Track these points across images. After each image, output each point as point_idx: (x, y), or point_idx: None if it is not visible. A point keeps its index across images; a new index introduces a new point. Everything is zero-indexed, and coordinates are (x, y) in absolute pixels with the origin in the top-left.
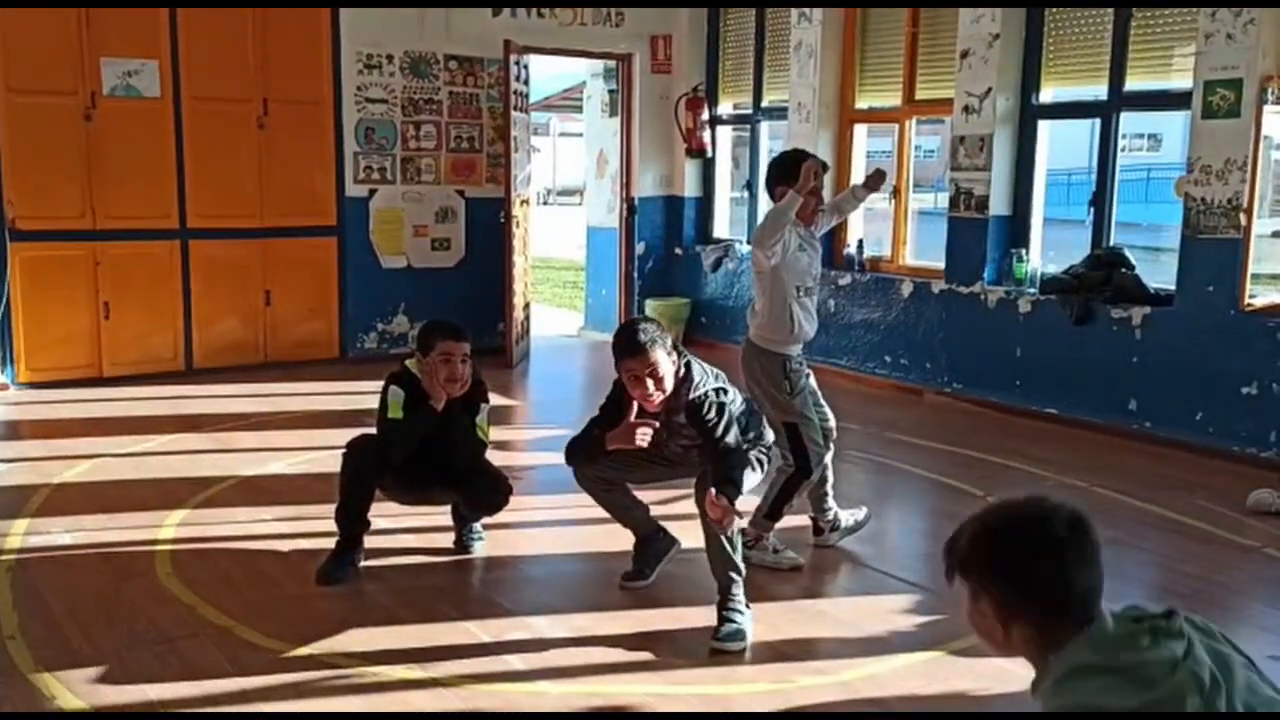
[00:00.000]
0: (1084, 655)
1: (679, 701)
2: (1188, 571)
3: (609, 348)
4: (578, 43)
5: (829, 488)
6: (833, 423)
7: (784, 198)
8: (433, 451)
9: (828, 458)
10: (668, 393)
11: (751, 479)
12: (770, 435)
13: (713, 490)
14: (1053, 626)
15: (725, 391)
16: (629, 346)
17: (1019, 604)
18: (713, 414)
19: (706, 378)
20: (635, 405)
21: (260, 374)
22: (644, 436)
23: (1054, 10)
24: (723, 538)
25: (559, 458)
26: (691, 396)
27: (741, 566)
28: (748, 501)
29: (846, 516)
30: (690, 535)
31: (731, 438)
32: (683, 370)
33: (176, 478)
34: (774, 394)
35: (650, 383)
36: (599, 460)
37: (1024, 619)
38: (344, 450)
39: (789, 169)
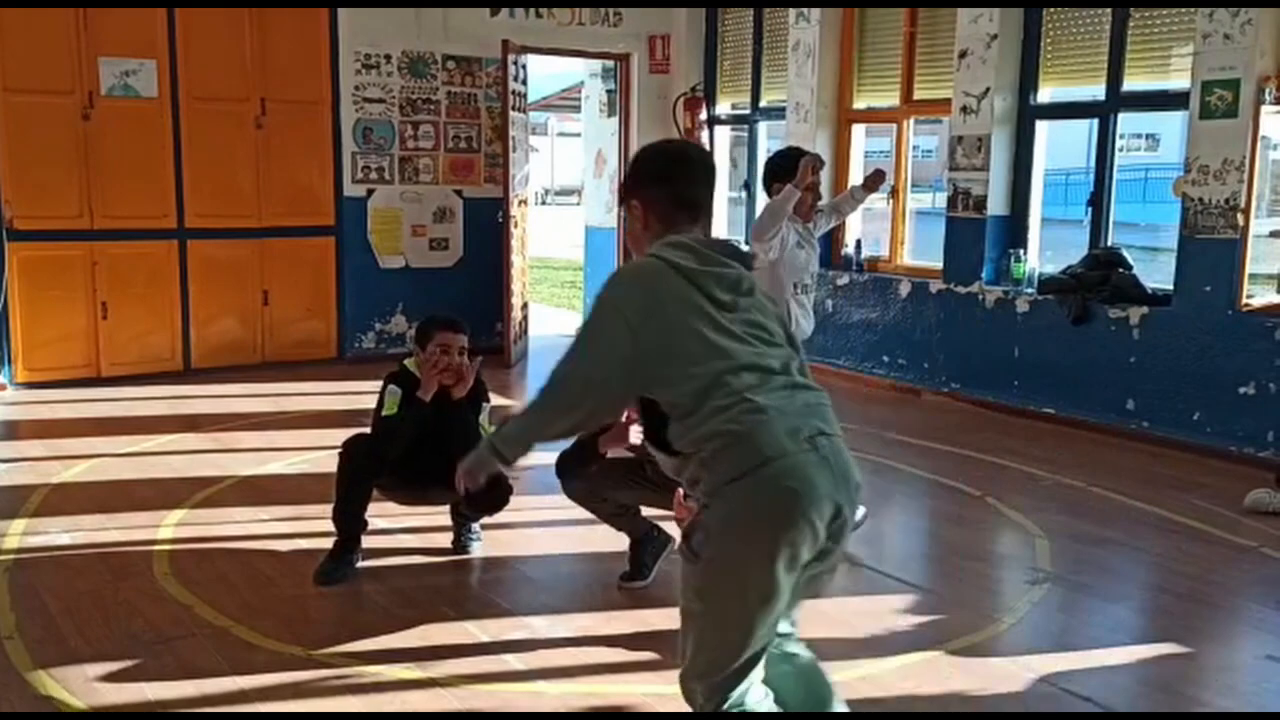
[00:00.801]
0: (676, 238)
1: (677, 701)
2: (1185, 571)
3: None
4: (576, 42)
5: None
6: None
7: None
8: (432, 451)
9: None
10: None
11: None
12: None
13: (680, 491)
14: (673, 219)
15: None
16: None
17: (657, 198)
18: None
19: None
20: (624, 414)
21: (258, 374)
22: (637, 434)
23: (1052, 10)
24: None
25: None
26: None
27: None
28: None
29: None
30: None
31: None
32: None
33: (174, 478)
34: None
35: None
36: (591, 467)
37: (658, 211)
38: (340, 450)
39: (786, 167)
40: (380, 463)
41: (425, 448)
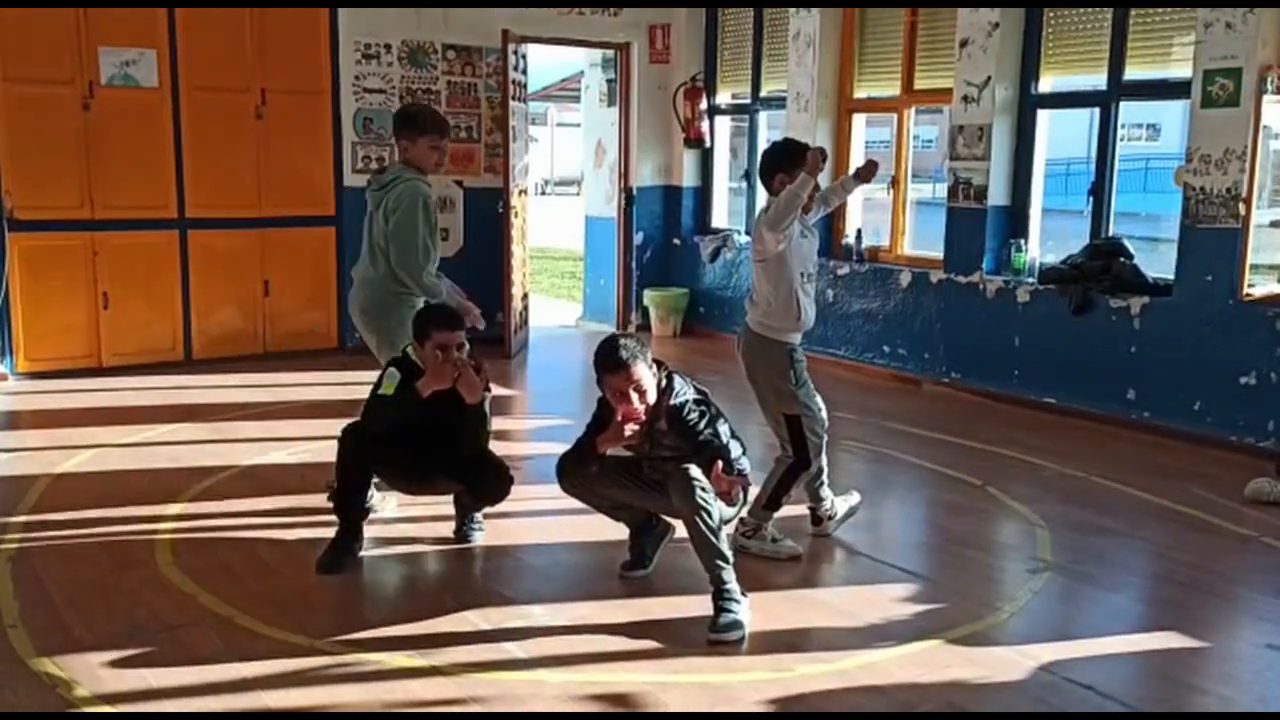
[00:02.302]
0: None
1: (678, 690)
2: (1185, 560)
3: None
4: (576, 32)
5: (824, 477)
6: (824, 413)
7: (790, 183)
8: (437, 441)
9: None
10: (651, 404)
11: (729, 510)
12: (747, 465)
13: (719, 464)
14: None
15: (705, 403)
16: (612, 363)
17: None
18: (694, 416)
19: (687, 389)
20: (620, 416)
21: (259, 364)
22: (632, 429)
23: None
24: (704, 527)
25: (558, 448)
26: (673, 403)
27: (728, 554)
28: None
29: (841, 504)
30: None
31: (711, 432)
32: (664, 381)
33: (176, 467)
34: (779, 384)
35: (635, 396)
36: (590, 468)
37: None
38: (338, 438)
39: (786, 158)
40: (377, 444)
41: (429, 437)
